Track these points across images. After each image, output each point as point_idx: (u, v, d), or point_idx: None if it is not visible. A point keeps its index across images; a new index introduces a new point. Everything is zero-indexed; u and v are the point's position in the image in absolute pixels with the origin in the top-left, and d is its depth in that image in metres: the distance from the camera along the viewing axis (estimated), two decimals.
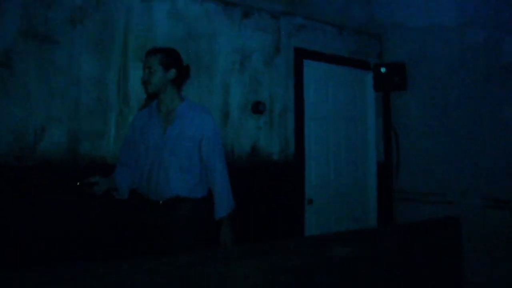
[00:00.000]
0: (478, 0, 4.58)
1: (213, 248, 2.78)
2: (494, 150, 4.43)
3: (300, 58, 4.58)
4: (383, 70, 4.79)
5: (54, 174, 3.50)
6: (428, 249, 2.09)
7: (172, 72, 2.75)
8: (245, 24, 4.36)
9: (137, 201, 2.87)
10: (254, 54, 4.37)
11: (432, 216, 4.28)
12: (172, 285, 1.41)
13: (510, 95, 4.36)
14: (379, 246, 2.02)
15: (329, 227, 4.67)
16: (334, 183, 4.85)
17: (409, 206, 5.04)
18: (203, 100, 4.07)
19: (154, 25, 3.89)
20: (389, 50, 5.35)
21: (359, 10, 5.35)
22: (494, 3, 4.43)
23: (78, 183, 2.62)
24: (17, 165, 3.38)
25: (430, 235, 2.17)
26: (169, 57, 2.76)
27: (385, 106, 5.13)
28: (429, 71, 4.93)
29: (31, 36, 3.44)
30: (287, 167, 4.51)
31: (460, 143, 4.64)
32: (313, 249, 1.83)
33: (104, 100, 3.64)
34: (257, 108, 4.25)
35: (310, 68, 4.66)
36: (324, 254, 1.81)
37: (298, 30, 4.69)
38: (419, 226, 2.31)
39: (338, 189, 4.85)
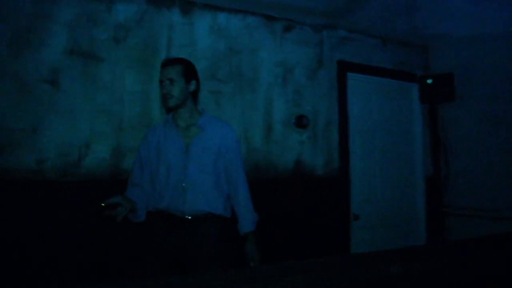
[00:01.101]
0: None
1: (240, 265, 2.55)
2: None
3: (344, 71, 4.47)
4: (429, 81, 4.61)
5: (98, 190, 3.50)
6: (495, 265, 1.92)
7: (193, 84, 2.64)
8: (286, 38, 4.31)
9: (156, 219, 2.63)
10: (297, 68, 4.30)
11: (485, 232, 4.02)
12: None
13: None
14: (437, 263, 1.86)
15: (376, 244, 4.48)
16: (380, 198, 4.67)
17: (460, 221, 4.80)
18: (246, 115, 4.03)
19: (196, 41, 3.89)
20: (435, 61, 5.17)
21: (402, 21, 5.19)
22: None
23: (102, 204, 2.32)
24: (62, 181, 3.40)
25: (498, 250, 2.00)
26: (189, 68, 2.64)
27: (432, 118, 4.94)
28: (478, 81, 4.72)
29: (76, 54, 3.49)
30: (332, 182, 4.38)
31: None
32: (361, 267, 1.70)
33: (147, 116, 3.64)
34: (301, 122, 4.16)
35: (354, 80, 4.54)
36: (374, 273, 1.67)
37: (341, 43, 4.60)
38: (483, 241, 2.14)
39: (385, 204, 4.67)
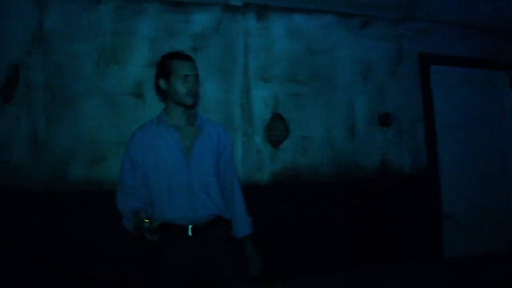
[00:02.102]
0: None
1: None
2: None
3: (426, 63, 4.27)
4: None
5: None
6: None
7: None
8: (364, 34, 4.18)
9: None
10: (376, 64, 4.16)
11: None
12: None
13: None
14: None
15: (471, 245, 4.20)
16: (473, 196, 4.40)
17: None
18: (327, 116, 3.95)
19: (273, 44, 3.87)
20: None
21: (484, 6, 4.88)
22: None
23: (146, 220, 1.93)
24: None
25: None
26: None
27: None
28: None
29: None
30: (420, 180, 4.18)
31: None
32: (459, 272, 1.54)
33: (229, 122, 3.66)
34: (384, 120, 4.01)
35: (437, 73, 4.33)
36: (475, 279, 1.50)
37: (420, 35, 4.40)
38: None
39: (479, 203, 4.39)
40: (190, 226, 2.11)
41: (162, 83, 2.22)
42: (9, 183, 3.26)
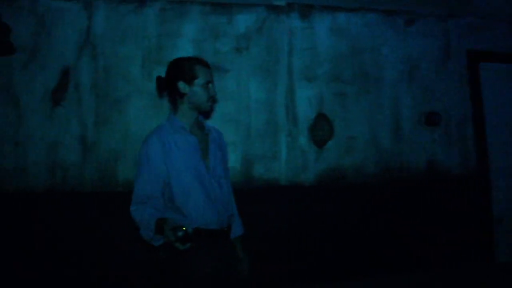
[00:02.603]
0: None
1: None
2: None
3: (475, 61, 4.14)
4: None
5: None
6: None
7: None
8: (409, 32, 4.09)
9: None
10: (422, 62, 4.06)
11: None
12: None
13: None
14: None
15: None
16: None
17: None
18: (372, 116, 3.88)
19: (317, 44, 3.84)
20: None
21: None
22: None
23: (184, 228, 1.81)
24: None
25: None
26: None
27: None
28: None
29: None
30: (469, 182, 4.04)
31: None
32: None
33: (273, 123, 3.64)
34: (431, 119, 3.90)
35: (487, 70, 4.18)
36: None
37: (469, 31, 4.26)
38: None
39: None
40: (218, 230, 2.10)
41: (182, 86, 2.14)
42: (60, 183, 3.34)
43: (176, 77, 2.16)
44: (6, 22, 3.32)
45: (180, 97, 2.17)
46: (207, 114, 2.27)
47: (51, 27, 3.54)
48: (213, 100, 2.21)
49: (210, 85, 2.18)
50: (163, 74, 3.51)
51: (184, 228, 1.77)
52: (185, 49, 3.58)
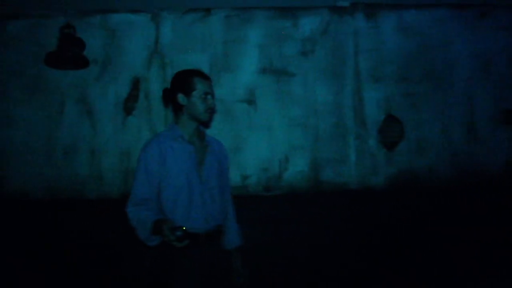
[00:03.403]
0: None
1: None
2: None
3: None
4: None
5: (298, 202, 3.52)
6: None
7: None
8: (482, 26, 3.90)
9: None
10: (497, 57, 3.86)
11: None
12: None
13: None
14: None
15: None
16: None
17: None
18: (444, 115, 3.72)
19: (383, 43, 3.75)
20: None
21: None
22: None
23: (184, 228, 1.96)
24: (266, 195, 3.49)
25: None
26: None
27: None
28: None
29: (269, 72, 3.60)
30: None
31: None
32: None
33: (341, 126, 3.58)
34: (509, 117, 3.69)
35: None
36: None
37: None
38: None
39: None
40: (203, 233, 2.17)
41: (181, 98, 2.24)
42: None
43: (176, 89, 2.26)
44: (80, 37, 3.46)
45: (180, 108, 2.27)
46: (206, 124, 2.39)
47: (121, 40, 3.67)
48: (211, 111, 2.30)
49: (208, 96, 2.26)
50: (229, 80, 3.58)
51: (184, 228, 1.91)
52: (251, 55, 3.61)
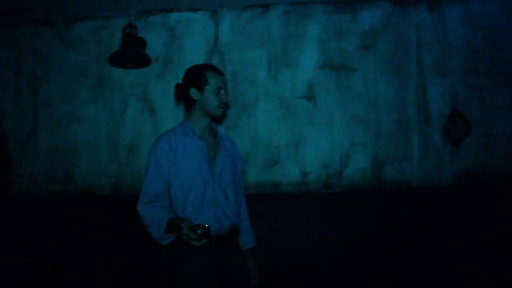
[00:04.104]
0: None
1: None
2: None
3: None
4: None
5: (359, 200, 3.46)
6: None
7: None
8: None
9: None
10: None
11: None
12: None
13: None
14: None
15: None
16: None
17: None
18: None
19: (448, 35, 3.61)
20: None
21: None
22: None
23: (206, 225, 1.92)
24: (325, 192, 3.45)
25: None
26: None
27: None
28: None
29: (328, 67, 3.55)
30: None
31: None
32: None
33: (404, 122, 3.49)
34: None
35: None
36: None
37: None
38: None
39: None
40: (217, 235, 2.09)
41: (194, 93, 2.18)
42: None
43: (188, 84, 2.21)
44: (142, 36, 3.53)
45: (192, 103, 2.21)
46: (219, 120, 2.36)
47: (181, 38, 3.72)
48: (225, 106, 2.24)
49: (222, 91, 2.20)
50: (289, 77, 3.56)
51: (206, 226, 1.87)
52: (310, 50, 3.58)
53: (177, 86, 2.29)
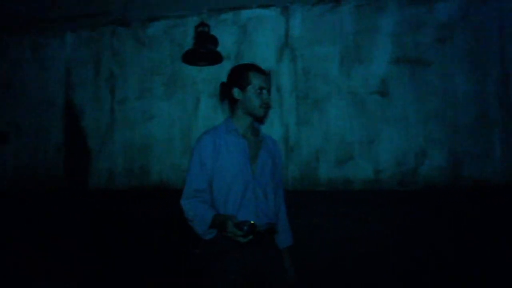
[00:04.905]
0: None
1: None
2: None
3: None
4: None
5: (434, 198, 3.35)
6: None
7: None
8: None
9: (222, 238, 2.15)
10: None
11: None
12: None
13: None
14: None
15: None
16: None
17: None
18: None
19: None
20: None
21: None
22: None
23: (252, 222, 1.95)
24: (398, 190, 3.36)
25: None
26: None
27: None
28: None
29: (403, 61, 3.45)
30: None
31: None
32: None
33: (484, 117, 3.33)
34: None
35: None
36: None
37: None
38: None
39: None
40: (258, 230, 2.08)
41: (237, 92, 2.23)
42: None
43: (232, 83, 2.25)
44: (213, 34, 3.59)
45: (235, 103, 2.26)
46: (260, 119, 2.36)
47: (252, 35, 3.75)
48: (266, 106, 2.25)
49: (264, 91, 2.23)
50: (361, 72, 3.50)
51: (252, 222, 1.88)
52: (383, 44, 3.49)
53: (222, 84, 2.34)
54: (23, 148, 4.32)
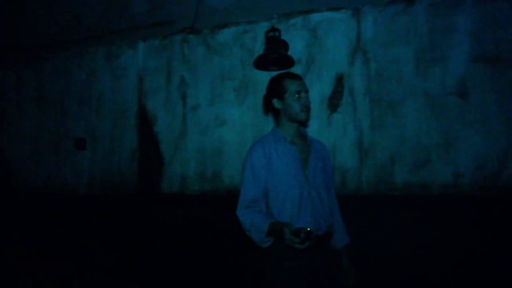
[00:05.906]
0: None
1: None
2: None
3: None
4: None
5: None
6: None
7: None
8: None
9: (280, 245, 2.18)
10: None
11: None
12: None
13: None
14: None
15: None
16: None
17: None
18: None
19: None
20: None
21: None
22: None
23: (308, 229, 1.94)
24: (480, 195, 3.24)
25: None
26: None
27: None
28: None
29: (482, 61, 3.33)
30: None
31: None
32: None
33: None
34: None
35: None
36: None
37: None
38: None
39: None
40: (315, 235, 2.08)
41: (276, 102, 2.33)
42: (339, 186, 3.48)
43: (270, 95, 2.37)
44: (284, 39, 3.59)
45: (278, 112, 2.36)
46: (304, 123, 2.40)
47: (323, 38, 3.73)
48: (307, 109, 2.30)
49: (302, 94, 2.28)
50: (438, 72, 3.40)
51: (308, 229, 1.89)
52: (461, 43, 3.38)
53: (264, 98, 2.45)
54: (98, 154, 4.51)
